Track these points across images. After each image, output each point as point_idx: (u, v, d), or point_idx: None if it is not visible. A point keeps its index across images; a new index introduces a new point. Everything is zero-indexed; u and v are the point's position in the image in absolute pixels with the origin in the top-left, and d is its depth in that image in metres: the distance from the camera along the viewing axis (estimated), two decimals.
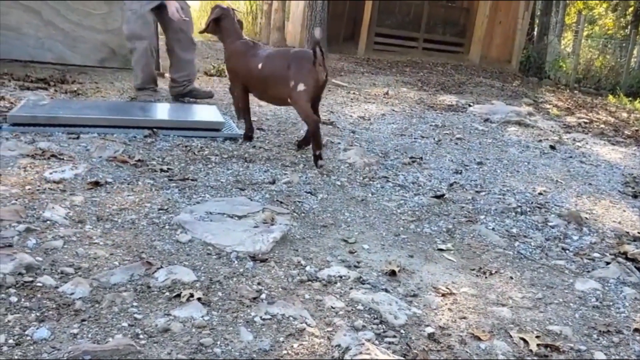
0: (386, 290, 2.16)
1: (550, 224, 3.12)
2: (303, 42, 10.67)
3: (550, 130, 5.87)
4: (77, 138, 3.66)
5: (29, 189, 2.76)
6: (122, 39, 5.72)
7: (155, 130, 3.94)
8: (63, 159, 3.25)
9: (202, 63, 8.13)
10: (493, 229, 2.96)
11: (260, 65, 3.81)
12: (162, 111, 4.16)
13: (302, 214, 2.86)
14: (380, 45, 11.89)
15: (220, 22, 4.04)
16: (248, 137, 4.10)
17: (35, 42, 5.27)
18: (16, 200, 2.59)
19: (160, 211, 2.68)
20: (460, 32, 12.58)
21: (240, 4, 12.49)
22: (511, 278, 2.44)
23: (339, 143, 4.28)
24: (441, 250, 2.64)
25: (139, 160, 3.40)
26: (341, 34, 11.78)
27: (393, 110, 6.06)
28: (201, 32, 4.28)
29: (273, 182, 3.26)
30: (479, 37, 11.62)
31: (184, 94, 5.10)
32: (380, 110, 5.97)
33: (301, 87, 3.70)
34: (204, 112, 4.36)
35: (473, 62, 11.68)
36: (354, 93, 6.94)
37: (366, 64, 10.12)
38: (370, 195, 3.26)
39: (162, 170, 3.29)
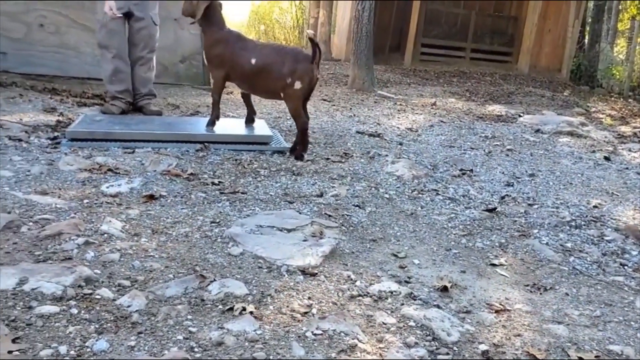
0: (438, 307, 2.13)
1: (606, 238, 3.02)
2: (349, 54, 10.70)
3: (604, 141, 5.69)
4: (132, 152, 3.76)
5: (87, 202, 2.84)
6: (173, 55, 5.88)
7: (206, 144, 4.01)
8: (119, 173, 3.34)
9: None
10: (547, 243, 2.88)
11: (253, 60, 3.93)
12: (215, 127, 4.22)
13: (351, 228, 2.85)
14: (427, 56, 11.82)
15: (209, 10, 4.06)
16: (213, 124, 4.21)
17: (92, 60, 5.46)
18: (75, 213, 2.67)
19: (213, 224, 2.71)
20: (508, 41, 12.38)
21: (287, 18, 12.63)
22: (567, 294, 2.36)
23: (387, 155, 4.26)
24: (494, 265, 2.58)
25: (191, 174, 3.47)
26: (387, 45, 11.75)
27: (441, 121, 5.99)
28: (192, 23, 4.28)
29: (321, 195, 3.26)
30: (528, 46, 11.41)
31: (134, 109, 4.95)
32: (428, 121, 5.92)
33: (298, 84, 3.86)
34: (253, 127, 4.41)
35: (522, 71, 11.47)
36: (400, 104, 6.91)
37: (412, 74, 10.07)
38: (419, 208, 3.23)
39: (213, 183, 3.35)
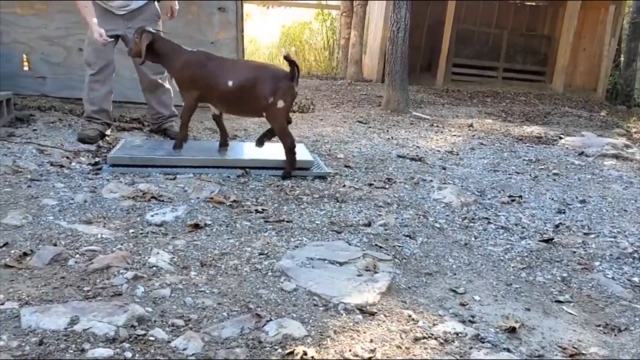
0: (508, 350, 1.98)
1: None
2: (380, 75, 10.62)
3: None
4: (174, 179, 3.70)
5: (133, 232, 2.77)
6: None
7: (247, 170, 3.93)
8: (163, 200, 3.27)
9: None
10: (612, 277, 2.72)
11: (230, 82, 3.80)
12: (253, 151, 4.15)
13: (404, 260, 2.73)
14: (458, 76, 11.67)
15: (154, 45, 3.93)
16: (180, 146, 4.06)
17: (131, 84, 5.43)
18: (121, 244, 2.60)
19: (261, 256, 2.61)
20: (541, 60, 12.18)
21: (317, 39, 12.62)
22: None
23: (431, 180, 4.13)
24: (559, 302, 2.43)
25: (234, 201, 3.38)
26: (418, 65, 11.64)
27: (481, 143, 5.84)
28: (141, 64, 4.12)
29: (369, 225, 3.14)
30: (562, 65, 11.19)
31: (158, 131, 4.88)
32: (468, 143, 5.78)
33: (280, 104, 3.79)
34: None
35: (556, 90, 11.24)
36: (437, 126, 6.78)
37: (446, 95, 9.93)
38: (472, 239, 3.09)
39: (257, 211, 3.26)
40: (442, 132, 6.38)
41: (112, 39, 4.39)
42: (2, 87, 5.69)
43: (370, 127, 6.33)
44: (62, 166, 3.79)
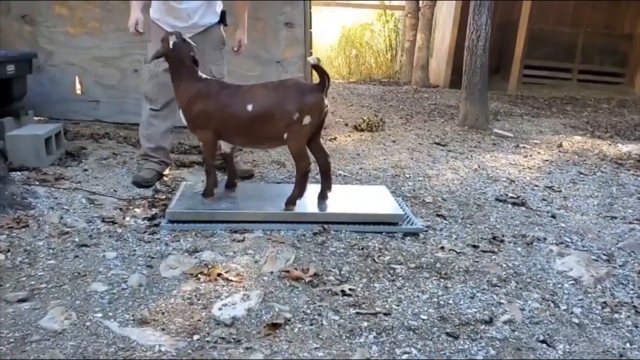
0: None
1: None
2: (447, 80, 9.80)
3: None
4: (242, 240, 3.08)
5: (198, 340, 2.16)
6: None
7: (326, 226, 3.28)
8: (231, 280, 2.65)
9: (347, 112, 7.53)
10: None
11: (250, 106, 3.18)
12: (330, 200, 3.50)
13: None
14: (530, 78, 10.73)
15: (175, 52, 3.30)
16: (211, 193, 3.47)
17: None
18: None
19: None
20: (620, 60, 11.08)
21: (379, 41, 11.84)
22: None
23: (545, 239, 3.38)
24: None
25: (314, 275, 2.74)
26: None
27: (580, 172, 5.02)
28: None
29: (490, 321, 2.44)
30: None
31: (221, 167, 4.09)
32: (565, 172, 4.97)
33: (307, 120, 3.16)
34: (376, 199, 3.64)
35: (638, 95, 10.18)
36: (523, 147, 5.97)
37: (520, 102, 9.04)
38: (628, 345, 2.34)
39: (343, 292, 2.60)
40: (530, 155, 5.58)
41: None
42: (54, 113, 5.24)
43: (450, 150, 5.58)
44: (114, 222, 3.23)
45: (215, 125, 3.32)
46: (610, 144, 6.40)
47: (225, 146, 3.53)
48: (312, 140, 3.38)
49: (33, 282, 2.54)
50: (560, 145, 6.11)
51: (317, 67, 3.16)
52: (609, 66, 11.06)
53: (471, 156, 5.39)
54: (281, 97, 3.20)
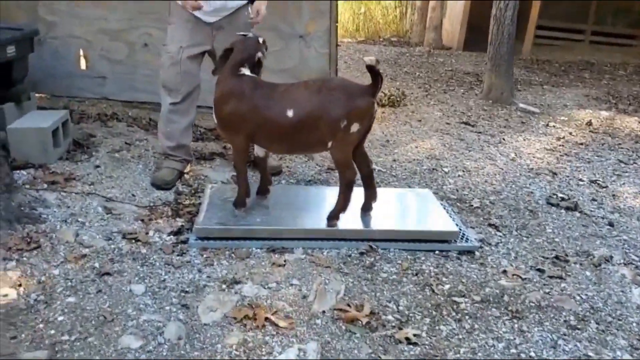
0: None
1: None
2: (461, 42, 9.21)
3: None
4: (284, 265, 2.67)
5: None
6: (299, 78, 4.70)
7: (373, 245, 2.87)
8: (280, 326, 2.24)
9: (363, 80, 6.97)
10: None
11: (290, 112, 2.70)
12: (374, 211, 3.08)
13: None
14: (542, 39, 10.15)
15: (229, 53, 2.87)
16: (243, 203, 3.03)
17: (205, 85, 4.36)
18: None
19: None
20: (634, 22, 10.52)
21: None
22: None
23: (612, 257, 3.00)
24: None
25: (371, 314, 2.35)
26: None
27: (619, 161, 4.62)
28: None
29: None
30: None
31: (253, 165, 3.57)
32: (605, 162, 4.57)
33: (355, 127, 2.71)
34: (423, 208, 3.22)
35: None
36: (553, 125, 5.54)
37: (537, 69, 8.53)
38: None
39: (408, 340, 2.22)
40: (563, 137, 5.16)
41: (198, 57, 3.35)
42: (56, 89, 4.70)
43: (480, 132, 5.13)
44: (136, 240, 2.79)
45: (248, 129, 2.84)
46: (638, 121, 5.99)
47: (258, 150, 3.06)
48: (356, 146, 2.92)
49: (52, 332, 2.12)
50: (590, 124, 5.69)
51: (372, 69, 2.67)
52: (622, 27, 10.51)
53: (504, 139, 4.95)
54: (326, 100, 2.72)
